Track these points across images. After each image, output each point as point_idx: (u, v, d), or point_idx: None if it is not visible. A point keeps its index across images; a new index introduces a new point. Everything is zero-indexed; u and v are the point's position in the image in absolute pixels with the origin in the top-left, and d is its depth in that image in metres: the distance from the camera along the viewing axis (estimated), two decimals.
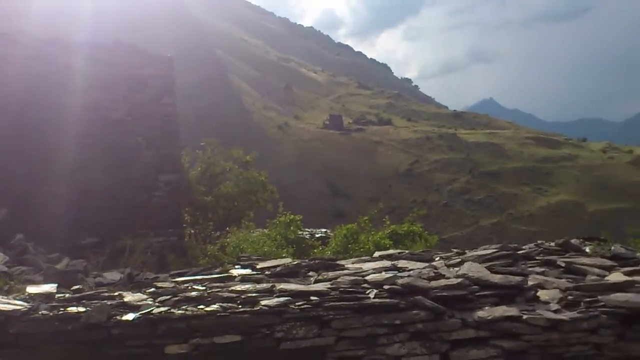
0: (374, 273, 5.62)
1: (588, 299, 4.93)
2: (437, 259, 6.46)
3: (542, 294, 5.10)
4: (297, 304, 4.72)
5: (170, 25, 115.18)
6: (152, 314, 4.66)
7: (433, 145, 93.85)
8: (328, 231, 14.76)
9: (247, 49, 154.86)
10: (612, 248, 7.82)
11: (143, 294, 5.28)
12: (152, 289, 5.44)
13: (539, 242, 7.79)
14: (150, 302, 4.93)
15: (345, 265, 6.37)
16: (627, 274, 5.41)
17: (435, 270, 5.53)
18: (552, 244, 7.78)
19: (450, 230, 66.81)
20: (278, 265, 6.27)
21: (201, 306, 4.81)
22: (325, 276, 5.71)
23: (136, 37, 10.86)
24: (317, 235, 13.56)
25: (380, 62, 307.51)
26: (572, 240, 7.91)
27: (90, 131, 9.59)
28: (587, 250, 7.55)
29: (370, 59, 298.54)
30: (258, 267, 6.45)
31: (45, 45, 9.48)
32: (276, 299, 4.81)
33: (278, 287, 5.09)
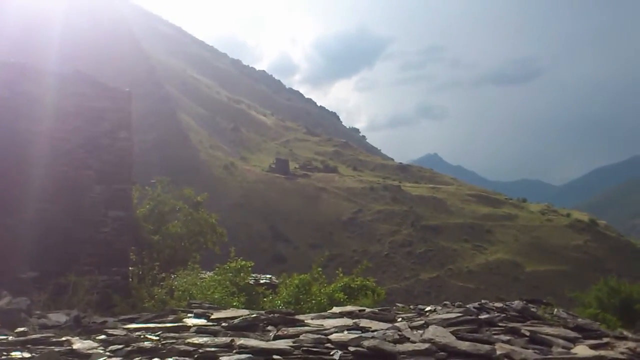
0: (337, 332, 5.47)
1: None
2: (399, 319, 6.36)
3: None
4: None
5: (117, 56, 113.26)
6: None
7: (377, 196, 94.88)
8: (273, 277, 14.53)
9: (197, 87, 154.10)
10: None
11: (93, 341, 4.98)
12: (103, 336, 5.15)
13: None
14: (101, 351, 4.66)
15: (306, 321, 6.19)
16: (592, 347, 5.45)
17: (400, 333, 5.42)
18: (505, 305, 7.83)
19: (389, 282, 67.00)
20: (235, 317, 6.05)
21: (156, 359, 4.56)
22: (285, 332, 5.53)
23: (81, 67, 10.56)
24: (261, 282, 13.31)
25: (330, 110, 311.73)
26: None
27: (39, 160, 9.20)
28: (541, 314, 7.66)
29: (320, 106, 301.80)
30: (213, 317, 6.22)
31: (2, 69, 9.12)
32: (236, 356, 4.61)
33: (238, 343, 4.91)
